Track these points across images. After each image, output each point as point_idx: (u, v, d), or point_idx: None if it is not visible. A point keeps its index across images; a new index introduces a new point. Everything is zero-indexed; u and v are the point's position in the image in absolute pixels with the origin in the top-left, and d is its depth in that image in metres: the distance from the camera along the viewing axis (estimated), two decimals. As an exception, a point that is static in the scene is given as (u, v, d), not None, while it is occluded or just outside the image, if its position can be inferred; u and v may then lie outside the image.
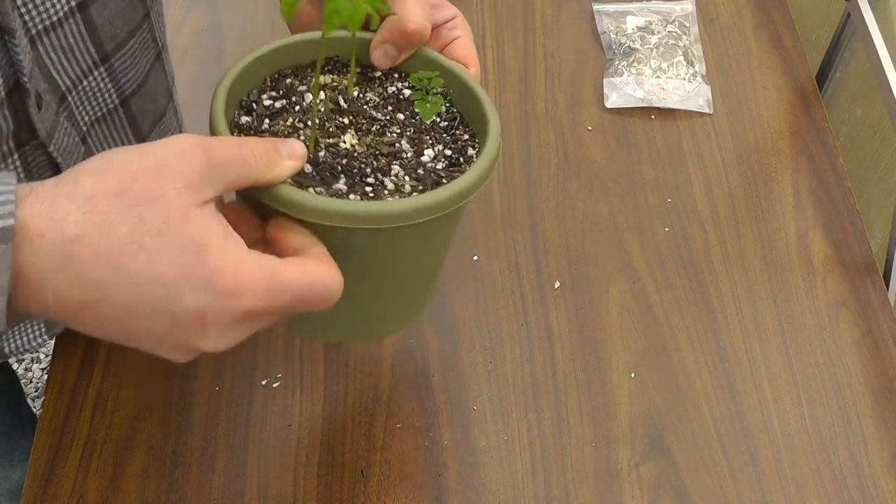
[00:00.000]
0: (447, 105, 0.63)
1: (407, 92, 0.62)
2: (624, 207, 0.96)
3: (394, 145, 0.58)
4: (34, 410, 1.24)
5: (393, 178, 0.56)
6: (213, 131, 0.55)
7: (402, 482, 0.78)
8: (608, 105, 1.05)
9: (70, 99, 0.67)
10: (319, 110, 0.59)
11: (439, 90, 0.62)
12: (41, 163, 0.68)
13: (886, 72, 0.98)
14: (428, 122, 0.61)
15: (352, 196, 0.54)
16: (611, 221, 0.95)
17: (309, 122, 0.59)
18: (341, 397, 0.82)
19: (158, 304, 0.46)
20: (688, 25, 1.12)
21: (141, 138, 0.77)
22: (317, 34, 0.63)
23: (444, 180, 0.56)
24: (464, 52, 0.64)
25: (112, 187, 0.45)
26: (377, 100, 0.62)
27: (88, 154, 0.72)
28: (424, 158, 0.58)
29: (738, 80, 1.09)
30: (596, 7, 1.14)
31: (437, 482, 0.78)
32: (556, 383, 0.84)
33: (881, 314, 0.90)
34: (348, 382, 0.83)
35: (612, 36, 1.11)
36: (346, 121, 0.60)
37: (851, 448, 0.81)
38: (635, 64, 1.08)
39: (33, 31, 0.61)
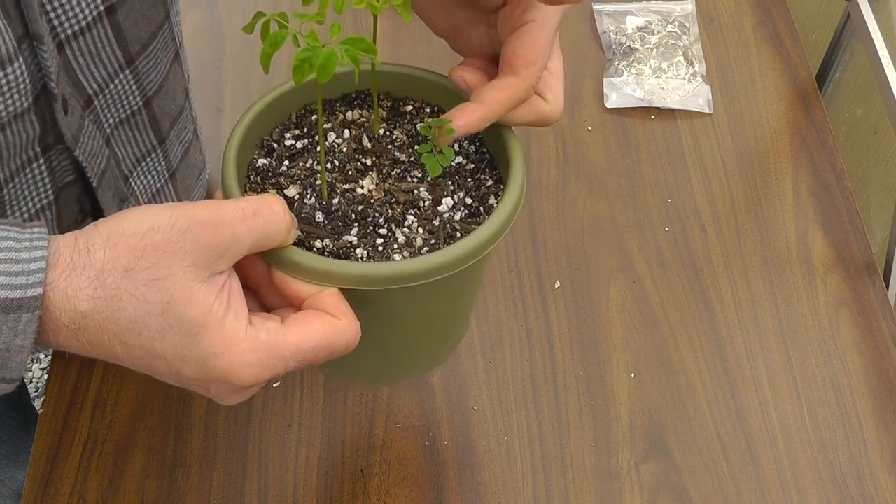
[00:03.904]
0: (477, 143, 0.60)
1: None
2: (624, 207, 0.96)
3: (412, 192, 0.56)
4: (37, 411, 1.23)
5: (405, 229, 0.54)
6: (224, 188, 0.54)
7: (402, 482, 0.78)
8: (608, 105, 1.05)
9: (96, 102, 0.68)
10: (342, 150, 0.58)
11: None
12: (65, 167, 0.68)
13: (886, 72, 0.98)
14: (453, 163, 0.58)
15: (359, 251, 0.53)
16: (611, 221, 0.95)
17: (329, 165, 0.57)
18: (341, 397, 0.82)
19: (164, 372, 0.49)
20: (688, 25, 1.12)
21: (161, 138, 0.77)
22: (345, 68, 0.61)
23: (459, 233, 0.55)
24: (523, 48, 0.56)
25: (120, 264, 0.47)
26: (404, 138, 0.59)
27: (112, 156, 0.72)
28: (442, 208, 0.56)
29: (738, 80, 1.09)
30: (596, 7, 1.14)
31: (437, 482, 0.78)
32: (556, 383, 0.84)
33: (881, 314, 0.90)
34: (348, 382, 0.83)
35: (612, 36, 1.11)
36: (368, 162, 0.57)
37: (851, 448, 0.81)
38: (635, 64, 1.08)
39: (62, 37, 0.62)
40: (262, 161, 0.57)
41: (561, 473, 0.79)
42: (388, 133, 0.59)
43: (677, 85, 1.06)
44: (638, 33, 1.11)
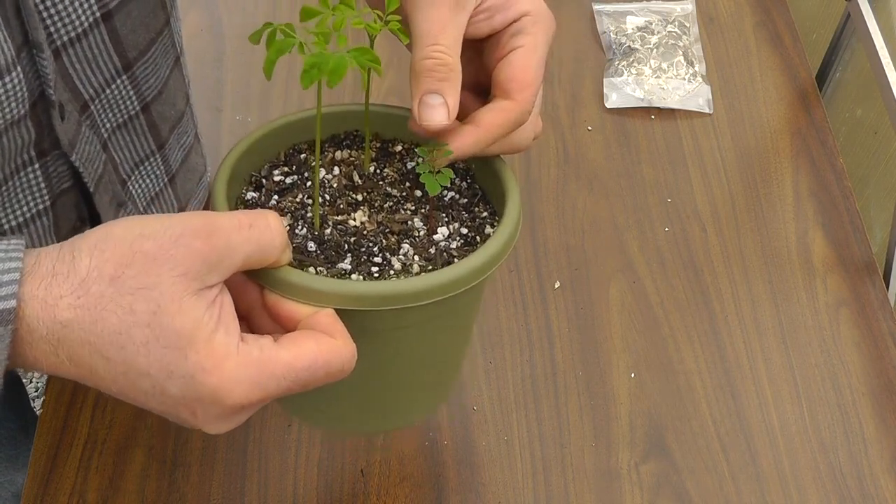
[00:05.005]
0: (469, 181, 0.59)
1: None
2: (624, 207, 0.96)
3: (406, 223, 0.56)
4: (36, 412, 1.23)
5: (401, 256, 0.54)
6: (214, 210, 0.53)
7: (402, 482, 0.78)
8: (608, 105, 1.05)
9: (92, 107, 0.67)
10: (332, 186, 0.57)
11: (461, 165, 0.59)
12: (62, 172, 0.67)
13: (886, 72, 0.98)
14: (446, 199, 0.58)
15: (354, 276, 0.52)
16: (611, 221, 0.95)
17: (320, 200, 0.56)
18: (341, 397, 0.82)
19: (147, 392, 0.47)
20: (688, 25, 1.12)
21: (160, 143, 0.77)
22: (335, 107, 0.60)
23: (457, 260, 0.54)
24: (517, 72, 0.56)
25: (107, 271, 0.45)
26: (395, 175, 0.59)
27: (109, 161, 0.72)
28: (437, 237, 0.55)
29: (738, 80, 1.09)
30: (596, 7, 1.14)
31: (437, 482, 0.78)
32: (556, 383, 0.84)
33: (881, 314, 0.90)
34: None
35: (612, 36, 1.11)
36: (359, 197, 0.57)
37: (851, 448, 0.81)
38: (635, 64, 1.08)
39: (58, 43, 0.61)
40: (251, 195, 0.57)
41: (561, 473, 0.79)
42: (378, 171, 0.59)
43: (677, 85, 1.06)
44: (638, 33, 1.11)
